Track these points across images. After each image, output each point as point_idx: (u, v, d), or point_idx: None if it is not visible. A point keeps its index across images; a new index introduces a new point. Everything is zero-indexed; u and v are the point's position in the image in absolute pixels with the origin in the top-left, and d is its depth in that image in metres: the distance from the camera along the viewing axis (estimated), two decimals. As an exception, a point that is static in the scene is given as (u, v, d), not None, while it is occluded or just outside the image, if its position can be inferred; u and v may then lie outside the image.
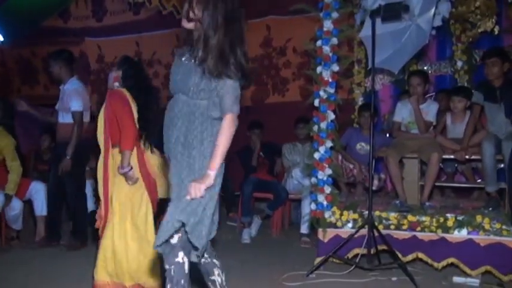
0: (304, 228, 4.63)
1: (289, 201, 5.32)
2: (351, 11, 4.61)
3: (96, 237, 4.52)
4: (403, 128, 4.29)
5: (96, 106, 7.16)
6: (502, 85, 3.87)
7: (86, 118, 4.45)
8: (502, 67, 3.86)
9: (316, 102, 3.76)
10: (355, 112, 5.24)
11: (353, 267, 3.56)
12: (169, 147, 2.08)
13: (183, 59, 2.09)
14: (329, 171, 3.75)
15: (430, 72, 5.23)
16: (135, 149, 2.95)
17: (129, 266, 2.90)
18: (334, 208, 3.77)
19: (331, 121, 3.74)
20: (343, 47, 4.25)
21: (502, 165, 3.90)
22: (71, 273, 3.64)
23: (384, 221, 3.66)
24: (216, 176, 1.98)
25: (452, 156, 4.10)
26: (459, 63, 5.10)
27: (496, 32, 4.78)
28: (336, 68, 3.72)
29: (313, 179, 3.80)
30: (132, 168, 2.90)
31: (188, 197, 1.94)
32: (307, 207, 4.29)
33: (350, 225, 3.72)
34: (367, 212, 3.57)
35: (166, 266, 1.96)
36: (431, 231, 3.54)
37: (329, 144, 3.74)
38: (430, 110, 4.15)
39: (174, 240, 1.95)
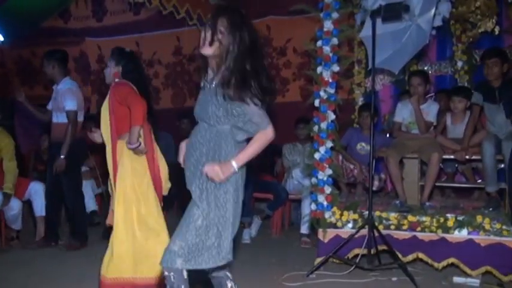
0: (304, 229, 4.63)
1: (289, 201, 5.32)
2: (351, 11, 4.62)
3: (96, 237, 4.56)
4: (404, 128, 4.29)
5: (97, 106, 7.20)
6: (501, 85, 3.88)
7: (80, 118, 4.44)
8: (501, 67, 3.87)
9: (317, 103, 3.76)
10: (356, 112, 5.23)
11: (353, 267, 3.56)
12: (189, 172, 2.07)
13: (202, 85, 2.11)
14: (329, 172, 3.75)
15: (430, 72, 5.22)
16: (143, 138, 2.89)
17: (137, 257, 2.85)
18: (335, 208, 3.77)
19: (332, 121, 3.74)
20: (343, 47, 4.25)
21: (502, 166, 3.91)
22: (71, 273, 3.64)
23: (384, 221, 3.66)
24: (233, 181, 2.00)
25: (452, 157, 4.09)
26: (459, 64, 5.10)
27: (497, 32, 4.78)
28: (336, 68, 3.72)
29: (314, 179, 3.80)
30: (141, 143, 2.81)
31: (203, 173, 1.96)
32: (307, 208, 4.29)
33: (350, 225, 3.72)
34: (367, 212, 3.57)
35: (166, 273, 1.97)
36: (431, 232, 3.54)
37: (329, 144, 3.74)
38: (430, 111, 4.15)
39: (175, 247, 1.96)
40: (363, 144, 4.69)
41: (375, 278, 3.50)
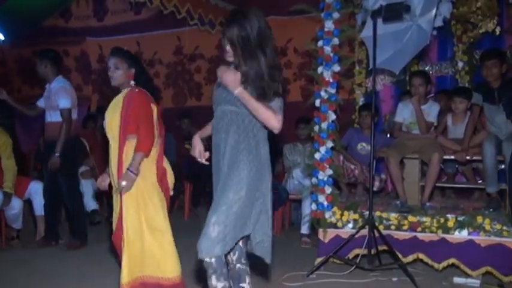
0: (304, 229, 4.62)
1: (289, 201, 5.31)
2: (352, 11, 4.62)
3: (96, 236, 4.56)
4: (404, 128, 4.29)
5: (97, 106, 7.20)
6: (500, 86, 3.88)
7: (74, 115, 4.43)
8: (500, 68, 3.88)
9: (317, 103, 3.76)
10: (356, 112, 5.23)
11: (353, 267, 3.56)
12: (218, 155, 2.16)
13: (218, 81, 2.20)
14: (330, 172, 3.75)
15: (431, 72, 5.21)
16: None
17: (145, 258, 2.84)
18: (335, 208, 3.77)
19: (332, 121, 3.74)
20: (344, 47, 4.25)
21: (503, 166, 3.90)
22: (70, 272, 3.64)
23: (384, 222, 3.65)
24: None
25: (453, 157, 4.10)
26: (460, 64, 5.09)
27: (497, 33, 4.77)
28: (337, 68, 3.72)
29: (314, 179, 3.80)
30: (137, 175, 2.82)
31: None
32: (308, 208, 4.28)
33: (350, 225, 3.72)
34: (367, 213, 3.57)
35: (207, 260, 2.04)
36: (431, 232, 3.53)
37: (330, 144, 3.74)
38: (431, 111, 4.15)
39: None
40: (364, 144, 4.69)
41: (375, 278, 3.50)
